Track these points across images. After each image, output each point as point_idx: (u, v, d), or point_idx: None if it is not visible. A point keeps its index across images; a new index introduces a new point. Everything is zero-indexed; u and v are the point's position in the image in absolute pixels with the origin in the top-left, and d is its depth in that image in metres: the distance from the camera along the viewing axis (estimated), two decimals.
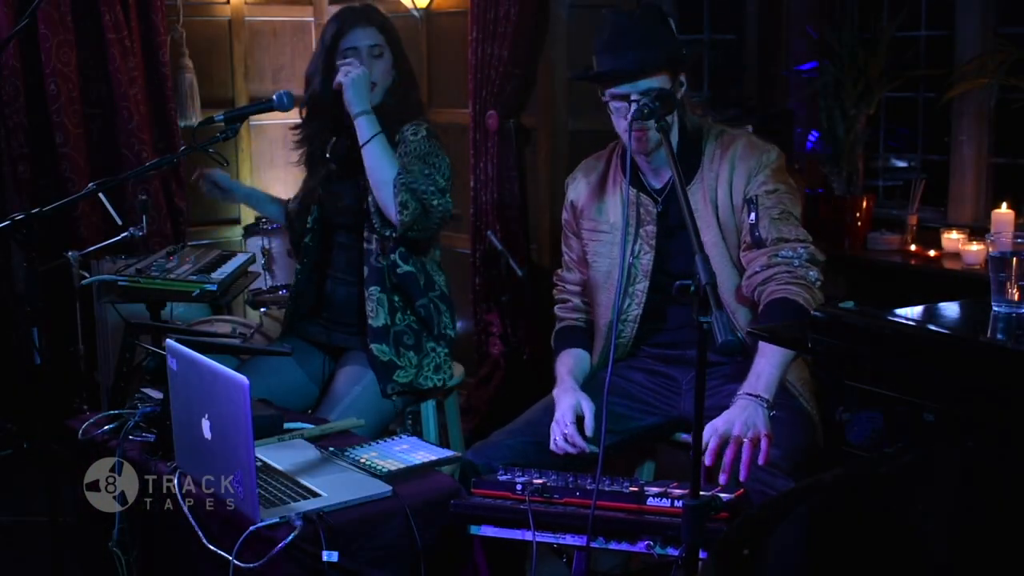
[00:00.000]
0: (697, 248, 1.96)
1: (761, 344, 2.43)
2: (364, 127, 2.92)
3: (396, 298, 3.04)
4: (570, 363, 2.73)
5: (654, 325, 2.71)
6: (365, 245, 3.02)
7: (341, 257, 3.14)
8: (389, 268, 3.02)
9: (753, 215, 2.54)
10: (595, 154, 2.84)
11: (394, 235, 2.97)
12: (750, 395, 2.34)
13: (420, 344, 3.07)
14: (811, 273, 2.50)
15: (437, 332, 3.11)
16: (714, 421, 2.30)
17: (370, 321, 3.00)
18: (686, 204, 2.08)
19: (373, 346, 3.00)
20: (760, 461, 2.24)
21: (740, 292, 2.58)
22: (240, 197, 3.42)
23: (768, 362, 2.40)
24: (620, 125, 2.56)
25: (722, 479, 2.23)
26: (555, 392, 2.65)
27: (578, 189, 2.80)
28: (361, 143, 2.91)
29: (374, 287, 3.01)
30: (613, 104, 2.55)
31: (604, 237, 2.72)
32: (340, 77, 2.93)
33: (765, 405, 2.32)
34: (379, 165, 2.91)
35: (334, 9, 5.12)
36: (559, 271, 2.91)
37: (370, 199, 2.96)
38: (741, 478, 2.23)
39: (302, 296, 3.23)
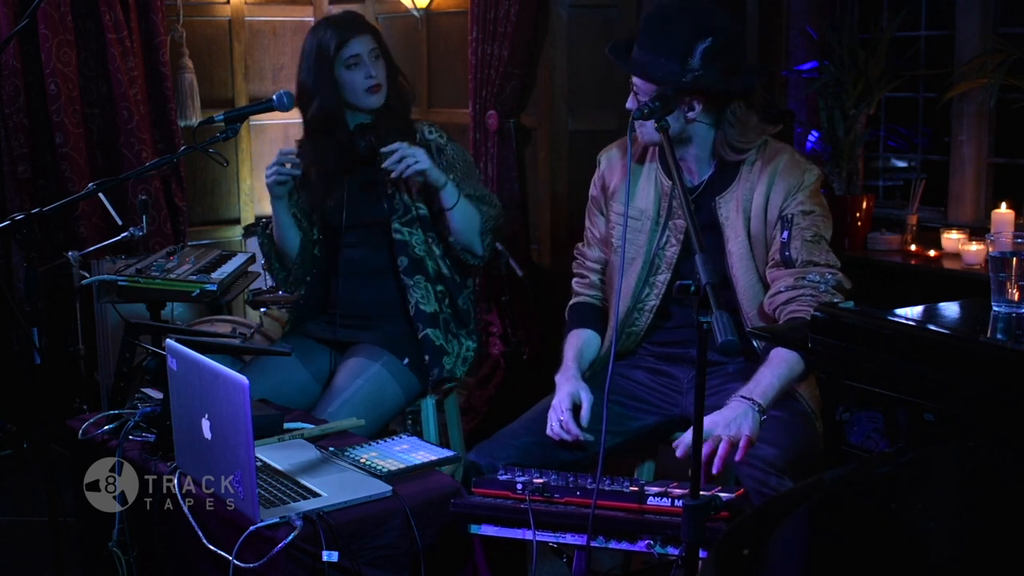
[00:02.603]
0: (698, 248, 1.96)
1: (771, 356, 2.43)
2: (452, 193, 3.01)
3: (440, 288, 3.14)
4: (578, 345, 2.73)
5: (658, 323, 2.71)
6: (397, 237, 3.08)
7: (354, 255, 3.16)
8: (439, 259, 3.12)
9: (786, 234, 2.52)
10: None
11: (480, 264, 3.16)
12: (744, 398, 2.34)
13: (457, 335, 3.16)
14: (836, 300, 2.46)
15: (471, 327, 3.20)
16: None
17: (422, 307, 3.08)
18: (685, 202, 2.09)
19: (428, 331, 3.08)
20: (736, 458, 2.24)
21: (763, 308, 2.56)
22: (282, 207, 3.10)
23: (772, 372, 2.39)
24: (629, 103, 2.58)
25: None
26: (557, 377, 2.65)
27: (612, 165, 2.76)
28: (449, 208, 3.02)
29: (418, 276, 3.10)
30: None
31: (631, 224, 2.68)
32: (414, 165, 2.94)
33: (757, 409, 2.31)
34: (468, 219, 3.05)
35: (334, 9, 5.16)
36: (579, 245, 2.89)
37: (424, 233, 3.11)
38: (714, 471, 2.23)
39: (308, 302, 3.26)
